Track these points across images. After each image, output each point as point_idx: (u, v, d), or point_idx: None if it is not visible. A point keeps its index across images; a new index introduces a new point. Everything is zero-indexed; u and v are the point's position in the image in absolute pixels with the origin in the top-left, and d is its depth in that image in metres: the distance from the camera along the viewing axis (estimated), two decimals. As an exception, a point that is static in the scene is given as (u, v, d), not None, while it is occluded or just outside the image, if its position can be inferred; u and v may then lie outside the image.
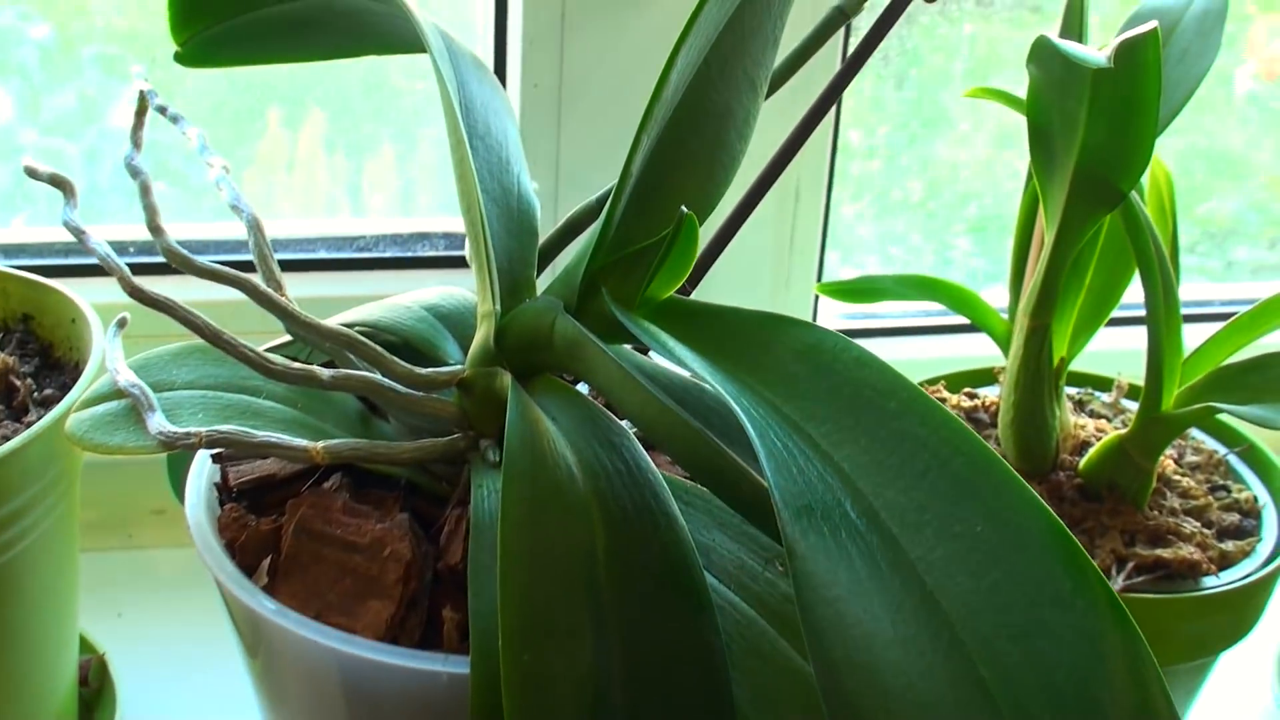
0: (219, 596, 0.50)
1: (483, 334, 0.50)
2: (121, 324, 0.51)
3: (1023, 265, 0.64)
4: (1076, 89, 0.48)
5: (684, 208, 0.46)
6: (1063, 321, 0.61)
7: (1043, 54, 0.48)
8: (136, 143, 0.48)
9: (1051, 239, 0.55)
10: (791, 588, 0.48)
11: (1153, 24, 0.45)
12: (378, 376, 0.49)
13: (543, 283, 0.52)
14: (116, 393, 0.49)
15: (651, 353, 0.51)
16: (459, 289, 0.58)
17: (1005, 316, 0.66)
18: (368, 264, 0.83)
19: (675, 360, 0.44)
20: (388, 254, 0.83)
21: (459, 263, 0.83)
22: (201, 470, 0.52)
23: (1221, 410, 0.56)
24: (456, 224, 0.85)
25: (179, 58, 0.61)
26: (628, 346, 0.50)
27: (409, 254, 0.83)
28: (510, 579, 0.41)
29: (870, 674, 0.36)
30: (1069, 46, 0.45)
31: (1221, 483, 0.65)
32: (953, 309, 0.67)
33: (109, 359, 0.50)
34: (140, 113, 0.49)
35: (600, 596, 0.43)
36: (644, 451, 0.47)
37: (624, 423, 0.48)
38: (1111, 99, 0.47)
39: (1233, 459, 0.67)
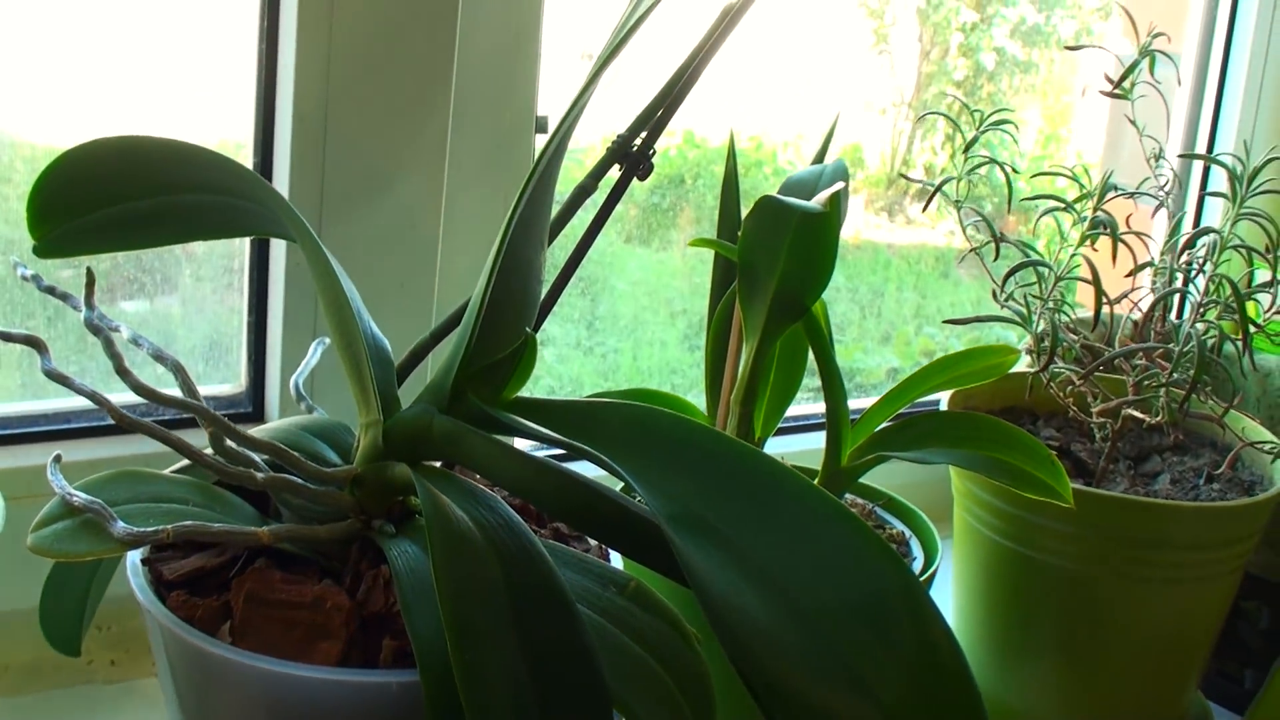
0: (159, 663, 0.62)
1: (370, 437, 0.65)
2: (57, 459, 0.63)
3: (716, 374, 0.84)
4: (783, 231, 0.69)
5: (528, 329, 0.64)
6: (757, 409, 0.81)
7: (763, 208, 0.69)
8: (91, 305, 0.61)
9: (754, 345, 0.75)
10: (625, 602, 0.66)
11: (839, 184, 0.66)
12: (294, 477, 0.63)
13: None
14: (66, 512, 0.60)
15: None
16: (315, 415, 0.72)
17: (705, 412, 0.86)
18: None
19: (539, 437, 0.61)
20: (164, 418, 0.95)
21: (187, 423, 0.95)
22: (135, 571, 0.64)
23: (890, 457, 0.78)
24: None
25: (37, 250, 0.72)
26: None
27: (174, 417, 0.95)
28: (448, 603, 0.56)
29: (740, 614, 0.53)
30: (792, 201, 0.66)
31: (877, 525, 0.87)
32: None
33: (58, 487, 0.61)
34: (89, 285, 0.62)
35: (506, 613, 0.58)
36: (514, 512, 0.63)
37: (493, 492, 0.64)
38: (806, 238, 0.68)
39: (878, 510, 0.89)
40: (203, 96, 0.98)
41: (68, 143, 0.70)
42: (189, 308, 1.04)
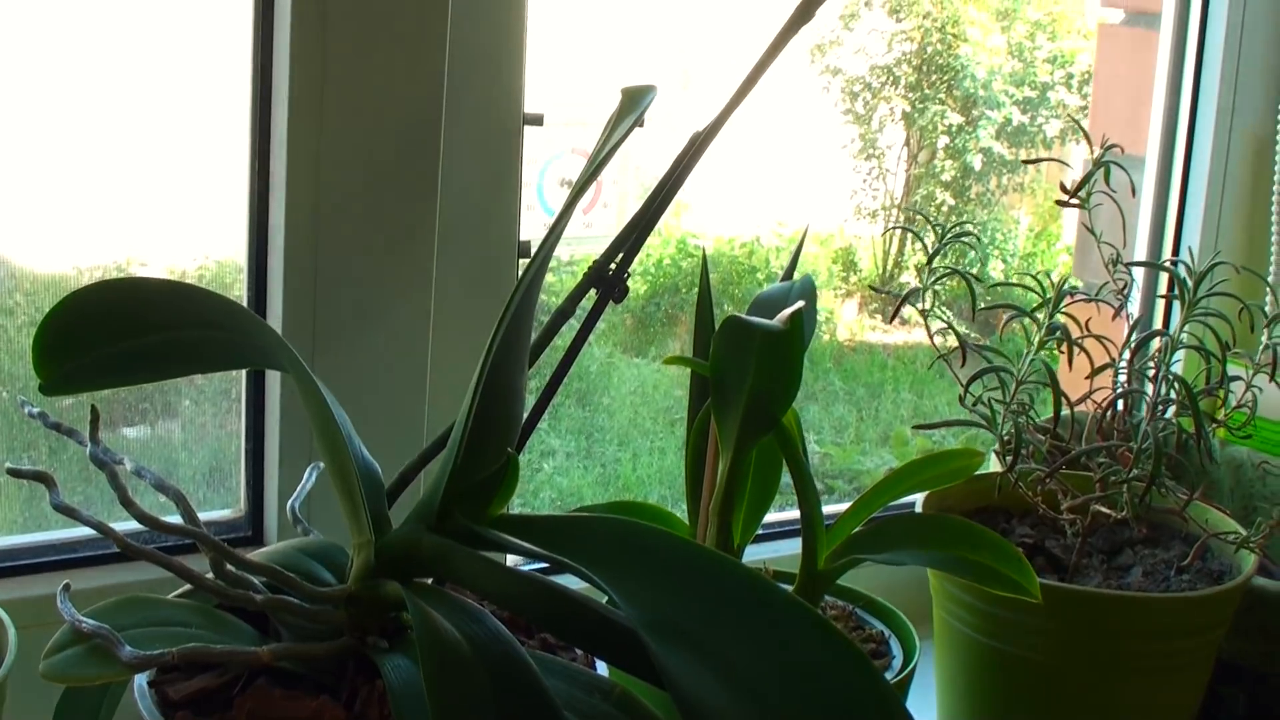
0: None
1: (363, 557, 0.68)
2: (66, 588, 0.66)
3: (696, 484, 0.88)
4: (749, 349, 0.72)
5: (509, 450, 0.67)
6: (735, 518, 0.85)
7: (729, 327, 0.73)
8: (95, 440, 0.65)
9: (730, 456, 0.79)
10: (610, 709, 0.69)
11: (800, 304, 0.70)
12: (291, 598, 0.66)
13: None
14: (76, 639, 0.63)
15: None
16: (311, 538, 0.75)
17: (687, 521, 0.89)
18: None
19: (523, 552, 0.65)
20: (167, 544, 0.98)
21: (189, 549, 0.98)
22: (143, 693, 0.66)
23: (864, 560, 0.81)
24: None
25: (43, 389, 0.76)
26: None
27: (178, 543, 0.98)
28: (439, 714, 0.59)
29: (715, 716, 0.56)
30: (755, 320, 0.70)
31: (856, 626, 0.90)
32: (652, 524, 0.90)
33: (67, 615, 0.64)
34: (94, 421, 0.65)
35: (496, 722, 0.61)
36: (501, 625, 0.66)
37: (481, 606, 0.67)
38: (771, 355, 0.72)
39: (859, 611, 0.92)
40: (199, 223, 1.03)
41: (69, 268, 0.73)
42: (190, 434, 1.08)
